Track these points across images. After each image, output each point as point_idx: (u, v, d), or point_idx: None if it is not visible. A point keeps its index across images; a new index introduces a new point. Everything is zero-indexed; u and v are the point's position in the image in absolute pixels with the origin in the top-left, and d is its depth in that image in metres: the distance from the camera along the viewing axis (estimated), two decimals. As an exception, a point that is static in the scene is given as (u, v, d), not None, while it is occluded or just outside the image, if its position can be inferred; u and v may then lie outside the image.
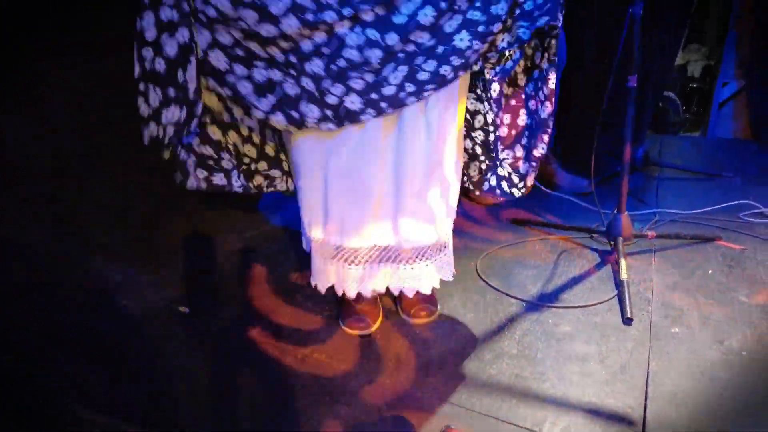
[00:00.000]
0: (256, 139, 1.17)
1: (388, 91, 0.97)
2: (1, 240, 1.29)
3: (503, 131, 1.30)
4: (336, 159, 1.07)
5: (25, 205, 1.33)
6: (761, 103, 2.60)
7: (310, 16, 0.91)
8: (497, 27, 0.96)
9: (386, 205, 1.13)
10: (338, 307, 1.34)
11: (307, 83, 0.96)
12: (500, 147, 1.31)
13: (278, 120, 1.00)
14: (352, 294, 1.22)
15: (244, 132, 1.15)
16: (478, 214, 1.90)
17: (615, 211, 1.55)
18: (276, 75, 0.97)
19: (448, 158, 1.14)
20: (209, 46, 0.97)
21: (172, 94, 0.99)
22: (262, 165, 1.21)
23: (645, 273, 1.50)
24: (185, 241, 1.64)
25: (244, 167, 1.18)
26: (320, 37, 0.93)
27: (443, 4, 0.92)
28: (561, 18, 1.03)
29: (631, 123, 1.46)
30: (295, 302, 1.39)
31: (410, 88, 0.97)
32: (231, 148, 1.13)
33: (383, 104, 0.98)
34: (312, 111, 0.98)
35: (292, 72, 0.96)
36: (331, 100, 0.97)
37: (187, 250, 1.62)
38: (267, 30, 0.91)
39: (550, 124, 1.22)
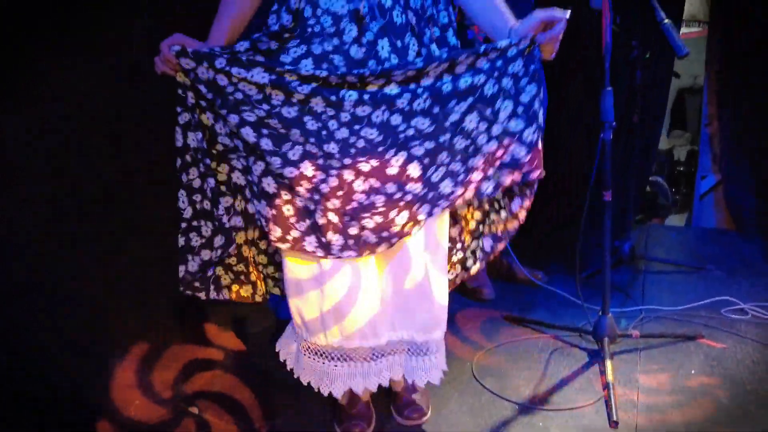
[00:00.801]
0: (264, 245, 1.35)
1: (395, 229, 1.12)
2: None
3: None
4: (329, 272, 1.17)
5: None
6: (737, 197, 2.77)
7: (320, 161, 1.08)
8: (476, 176, 1.11)
9: (382, 306, 1.21)
10: (333, 411, 1.38)
11: (332, 217, 1.11)
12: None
13: (309, 242, 1.13)
14: (359, 390, 1.25)
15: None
16: (473, 311, 2.01)
17: (600, 313, 1.66)
18: (310, 205, 1.12)
19: (439, 259, 1.23)
20: (263, 173, 1.13)
21: (218, 225, 1.22)
22: (270, 269, 1.38)
23: (631, 373, 1.57)
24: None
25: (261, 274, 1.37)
26: (334, 181, 1.09)
27: (427, 160, 1.08)
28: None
29: (609, 235, 1.60)
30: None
31: (410, 227, 1.13)
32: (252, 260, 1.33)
33: (394, 239, 1.12)
34: (337, 240, 1.11)
35: (321, 206, 1.11)
36: (352, 231, 1.11)
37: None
38: (290, 171, 1.09)
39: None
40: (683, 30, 4.04)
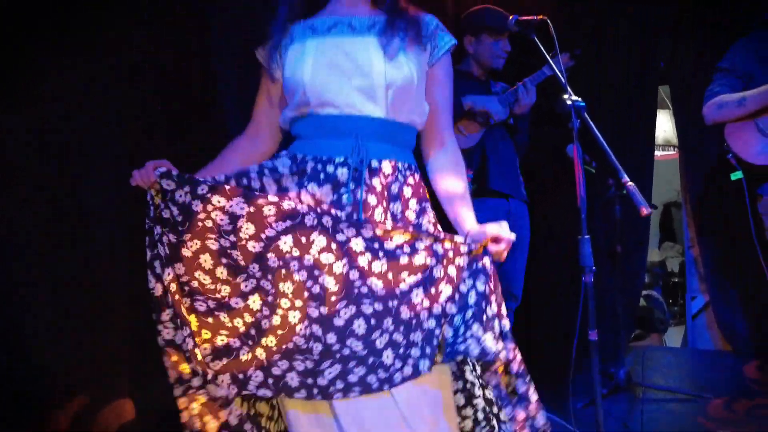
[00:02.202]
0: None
1: (321, 381, 1.09)
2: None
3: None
4: None
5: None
6: (727, 319, 2.82)
7: (270, 298, 1.09)
8: (415, 352, 1.09)
9: None
10: None
11: (260, 353, 1.10)
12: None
13: (223, 380, 1.10)
14: None
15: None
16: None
17: (596, 456, 1.65)
18: (235, 343, 1.11)
19: None
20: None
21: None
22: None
23: None
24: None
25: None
26: (277, 320, 1.09)
27: (373, 321, 1.09)
28: (477, 351, 1.07)
29: (597, 376, 1.65)
30: None
31: (339, 385, 1.09)
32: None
33: (314, 390, 1.09)
34: (257, 376, 1.10)
35: (250, 342, 1.10)
36: (276, 371, 1.10)
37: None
38: (236, 302, 1.11)
39: None
40: (658, 153, 4.34)
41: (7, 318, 1.30)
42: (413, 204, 1.22)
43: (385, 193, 1.20)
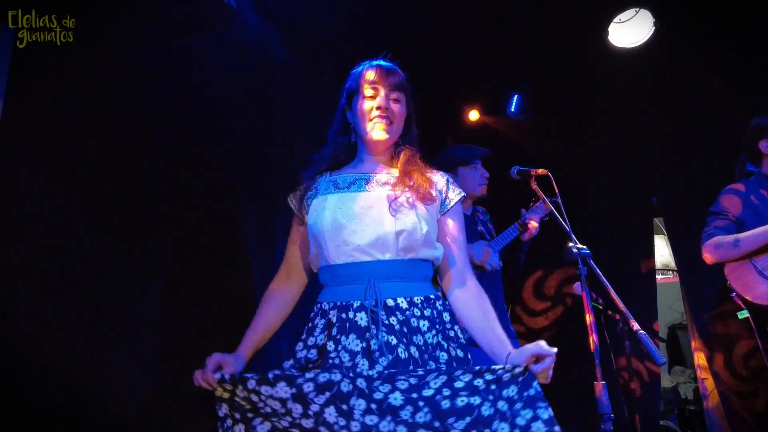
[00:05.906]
0: None
1: None
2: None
3: None
4: None
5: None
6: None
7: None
8: None
9: None
10: None
11: None
12: None
13: None
14: None
15: None
16: None
17: None
18: None
19: None
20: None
21: None
22: None
23: None
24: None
25: None
26: None
27: None
28: None
29: None
30: None
31: None
32: None
33: None
34: None
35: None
36: None
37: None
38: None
39: None
40: (659, 277, 4.40)
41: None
42: (431, 337, 1.26)
43: (404, 329, 1.24)
